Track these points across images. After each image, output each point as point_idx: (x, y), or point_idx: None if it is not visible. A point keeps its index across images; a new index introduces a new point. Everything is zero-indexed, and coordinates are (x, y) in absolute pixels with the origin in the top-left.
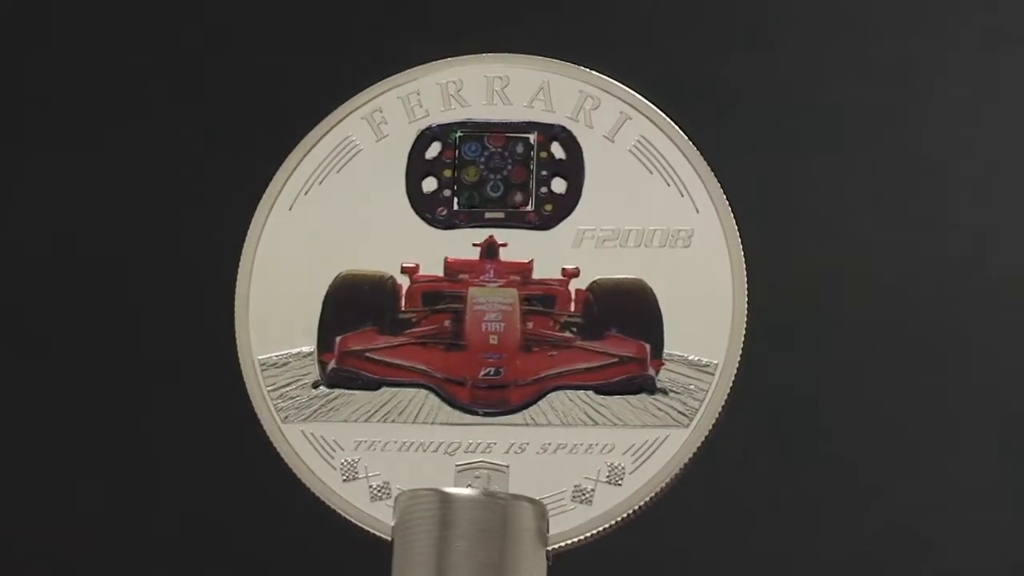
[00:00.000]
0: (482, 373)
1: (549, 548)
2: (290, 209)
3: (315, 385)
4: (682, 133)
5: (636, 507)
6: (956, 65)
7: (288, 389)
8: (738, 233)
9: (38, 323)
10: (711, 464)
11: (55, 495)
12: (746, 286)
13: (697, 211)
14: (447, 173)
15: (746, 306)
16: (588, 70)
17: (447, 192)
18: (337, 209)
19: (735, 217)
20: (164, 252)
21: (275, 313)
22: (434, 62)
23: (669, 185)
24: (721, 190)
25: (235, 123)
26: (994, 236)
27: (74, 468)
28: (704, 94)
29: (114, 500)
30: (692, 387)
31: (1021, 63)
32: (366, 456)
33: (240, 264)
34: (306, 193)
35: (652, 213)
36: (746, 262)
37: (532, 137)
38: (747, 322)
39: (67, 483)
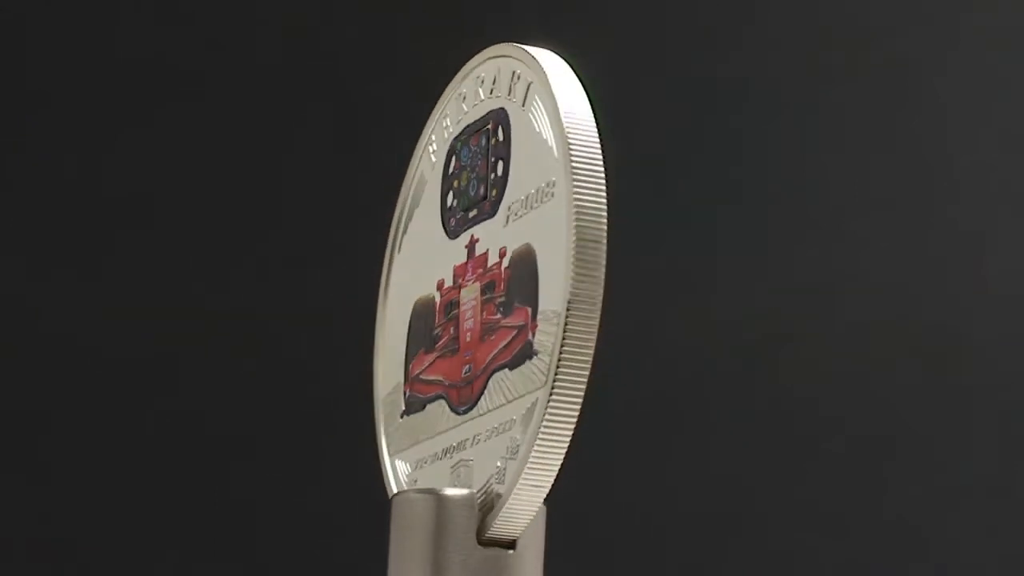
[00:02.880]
0: (463, 372)
1: (484, 537)
2: (399, 251)
3: (401, 415)
4: (548, 77)
5: (525, 476)
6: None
7: (388, 425)
8: (573, 167)
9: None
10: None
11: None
12: (575, 225)
13: (556, 156)
14: (455, 183)
15: (574, 247)
16: (517, 46)
17: (455, 202)
18: (415, 243)
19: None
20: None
21: (392, 353)
22: (455, 75)
23: (546, 138)
24: (562, 126)
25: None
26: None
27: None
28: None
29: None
30: (548, 343)
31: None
32: (420, 475)
33: (376, 315)
34: (405, 232)
35: (537, 171)
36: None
37: (489, 126)
38: (577, 261)
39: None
